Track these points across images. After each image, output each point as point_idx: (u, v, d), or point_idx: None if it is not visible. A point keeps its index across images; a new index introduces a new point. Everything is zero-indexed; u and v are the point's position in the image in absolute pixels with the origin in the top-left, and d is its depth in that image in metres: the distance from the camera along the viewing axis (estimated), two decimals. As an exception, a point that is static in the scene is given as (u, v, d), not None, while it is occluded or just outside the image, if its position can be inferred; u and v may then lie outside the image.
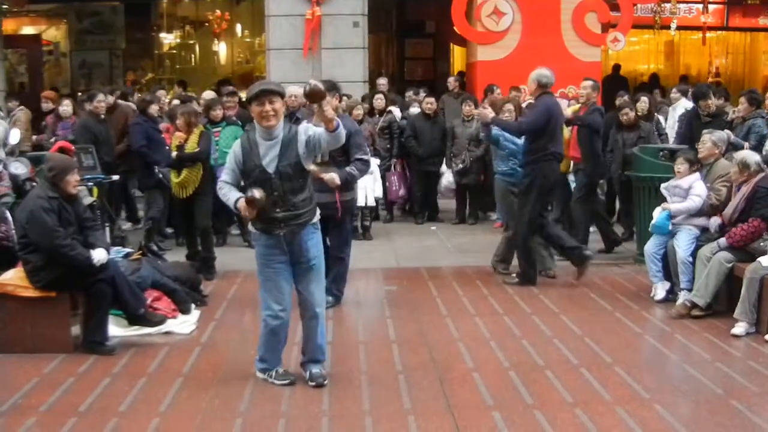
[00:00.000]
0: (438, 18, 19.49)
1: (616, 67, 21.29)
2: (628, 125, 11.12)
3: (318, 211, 6.16)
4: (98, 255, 6.85)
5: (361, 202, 10.26)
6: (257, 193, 5.72)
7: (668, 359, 6.90)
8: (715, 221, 8.09)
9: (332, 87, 7.87)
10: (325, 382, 6.09)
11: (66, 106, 11.35)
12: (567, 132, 10.36)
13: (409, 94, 14.94)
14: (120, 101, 12.76)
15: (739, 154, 8.09)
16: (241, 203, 5.80)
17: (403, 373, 6.39)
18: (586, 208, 10.60)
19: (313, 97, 5.73)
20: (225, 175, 6.04)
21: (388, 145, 12.76)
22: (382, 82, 14.95)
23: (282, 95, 5.91)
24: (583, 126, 10.31)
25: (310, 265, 6.08)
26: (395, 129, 12.80)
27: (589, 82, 10.54)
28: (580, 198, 10.56)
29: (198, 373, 6.45)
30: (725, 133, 9.10)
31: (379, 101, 13.04)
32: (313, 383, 6.07)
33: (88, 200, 8.90)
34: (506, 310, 8.14)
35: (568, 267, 9.59)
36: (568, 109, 10.77)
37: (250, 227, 6.17)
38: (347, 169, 7.81)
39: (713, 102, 10.74)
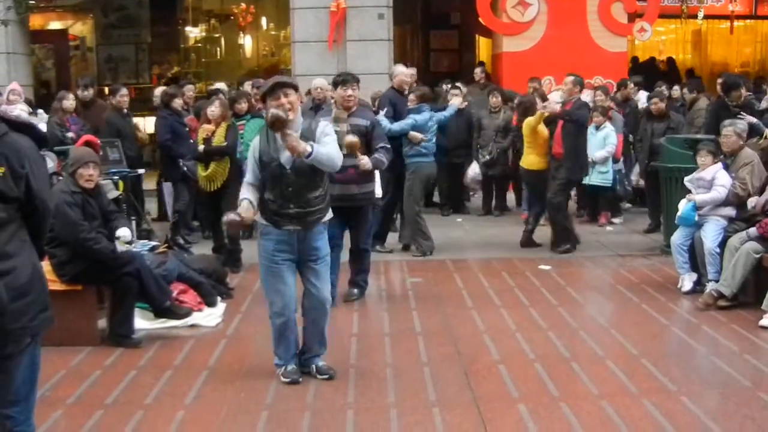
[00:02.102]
0: (463, 9, 19.42)
1: (652, 59, 21.12)
2: (659, 115, 11.04)
3: (330, 210, 6.11)
4: (122, 233, 6.93)
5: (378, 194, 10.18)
6: (240, 214, 5.84)
7: (695, 351, 6.85)
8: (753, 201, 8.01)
9: (354, 79, 7.94)
10: (334, 373, 6.09)
11: (71, 101, 11.20)
12: (544, 129, 10.25)
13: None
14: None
15: None
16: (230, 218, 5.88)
17: (428, 366, 6.37)
18: (562, 206, 10.33)
19: (275, 125, 5.69)
20: (248, 174, 6.01)
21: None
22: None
23: (296, 88, 5.92)
24: (570, 121, 10.03)
25: (318, 262, 6.01)
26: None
27: (571, 78, 10.25)
28: (556, 195, 10.16)
29: (223, 366, 6.47)
30: (745, 121, 9.00)
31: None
32: (325, 376, 6.06)
33: (113, 194, 8.96)
34: (532, 302, 8.11)
35: (594, 258, 9.52)
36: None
37: (259, 219, 6.01)
38: (375, 155, 7.77)
39: (744, 93, 10.61)
